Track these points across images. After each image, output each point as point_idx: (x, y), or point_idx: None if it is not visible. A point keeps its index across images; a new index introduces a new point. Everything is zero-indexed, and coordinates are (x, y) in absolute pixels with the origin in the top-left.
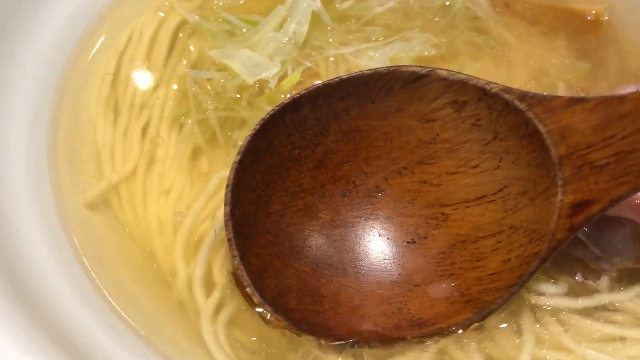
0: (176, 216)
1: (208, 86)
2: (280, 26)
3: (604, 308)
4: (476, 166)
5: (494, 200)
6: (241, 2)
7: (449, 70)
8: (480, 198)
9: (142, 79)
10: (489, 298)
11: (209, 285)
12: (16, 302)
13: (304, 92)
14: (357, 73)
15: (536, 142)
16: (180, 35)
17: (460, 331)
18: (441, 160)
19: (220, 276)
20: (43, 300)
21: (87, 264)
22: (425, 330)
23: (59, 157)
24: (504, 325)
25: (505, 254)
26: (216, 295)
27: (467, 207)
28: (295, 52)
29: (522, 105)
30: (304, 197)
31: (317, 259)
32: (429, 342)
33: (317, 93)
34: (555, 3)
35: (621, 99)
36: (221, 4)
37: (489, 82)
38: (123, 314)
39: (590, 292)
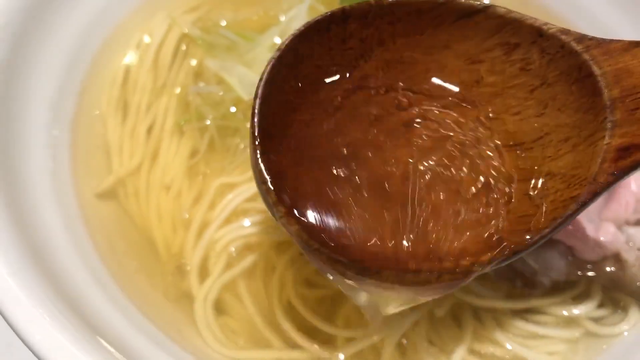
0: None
1: (208, 98)
2: (274, 46)
3: (534, 311)
4: (518, 113)
5: (531, 148)
6: (239, 18)
7: (506, 8)
8: (519, 145)
9: (149, 82)
10: (516, 239)
11: (203, 274)
12: (38, 273)
13: (354, 5)
14: (410, 1)
15: (588, 86)
16: (184, 44)
17: (480, 271)
18: (481, 104)
19: (214, 267)
20: (60, 271)
21: (96, 246)
22: (445, 265)
23: (77, 149)
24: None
25: (539, 198)
26: (208, 283)
27: (506, 151)
28: None
29: (578, 47)
30: (335, 113)
31: (339, 174)
32: (443, 283)
33: (368, 10)
34: None
35: None
36: (222, 20)
37: (547, 23)
38: (125, 291)
39: (523, 297)
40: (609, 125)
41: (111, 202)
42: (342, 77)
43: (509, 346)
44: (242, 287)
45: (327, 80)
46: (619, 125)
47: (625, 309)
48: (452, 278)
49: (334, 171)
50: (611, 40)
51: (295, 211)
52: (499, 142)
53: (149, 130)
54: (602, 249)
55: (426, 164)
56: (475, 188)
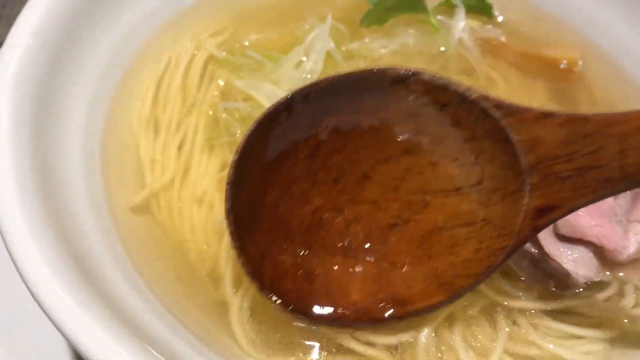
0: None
1: (236, 114)
2: (299, 64)
3: (568, 312)
4: (456, 159)
5: (469, 193)
6: (263, 39)
7: (432, 74)
8: (458, 189)
9: (178, 101)
10: (460, 283)
11: (236, 282)
12: (78, 275)
13: (296, 91)
14: (346, 73)
15: (508, 148)
16: (210, 66)
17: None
18: (424, 151)
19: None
20: (102, 280)
21: (131, 257)
22: (405, 309)
23: (109, 164)
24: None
25: (477, 243)
26: (242, 290)
27: (446, 196)
28: None
29: (496, 114)
30: (298, 185)
31: (310, 242)
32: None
33: (309, 92)
34: (535, 51)
35: (585, 119)
36: (246, 41)
37: (469, 88)
38: (162, 300)
39: (556, 298)
40: (527, 187)
41: (144, 216)
42: (299, 149)
43: (544, 346)
44: None
45: (286, 157)
46: (536, 189)
47: None
48: (402, 319)
49: (305, 243)
50: (525, 109)
51: (277, 290)
52: (443, 187)
53: (180, 146)
54: (632, 249)
55: (383, 218)
56: (424, 235)
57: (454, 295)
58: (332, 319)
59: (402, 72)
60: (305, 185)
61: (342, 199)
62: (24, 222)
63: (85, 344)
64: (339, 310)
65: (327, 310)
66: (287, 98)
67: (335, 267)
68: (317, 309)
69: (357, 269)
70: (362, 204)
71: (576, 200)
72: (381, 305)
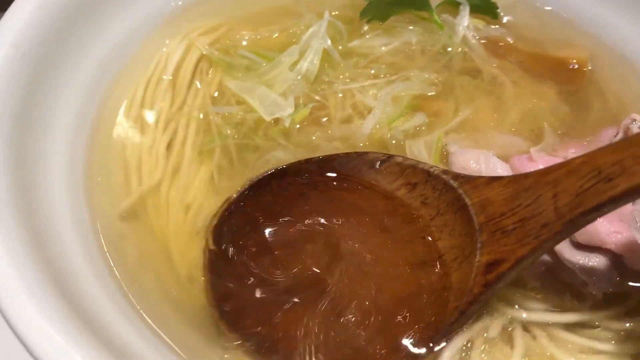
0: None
1: (229, 118)
2: (294, 65)
3: (585, 325)
4: (424, 237)
5: (433, 266)
6: (258, 37)
7: (403, 157)
8: (424, 263)
9: (167, 101)
10: (417, 347)
11: None
12: (55, 293)
13: (289, 165)
14: (332, 155)
15: (465, 214)
16: (203, 65)
17: None
18: (398, 229)
19: None
20: (75, 290)
21: (111, 263)
22: None
23: (95, 171)
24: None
25: (436, 309)
26: None
27: (413, 269)
28: (307, 87)
29: (455, 184)
30: (277, 249)
31: (281, 307)
32: None
33: (299, 167)
34: (543, 52)
35: (526, 175)
36: (241, 40)
37: (432, 166)
38: (138, 306)
39: (574, 310)
40: (478, 245)
41: (130, 219)
42: (285, 214)
43: None
44: None
45: (269, 219)
46: (485, 245)
47: None
48: None
49: (276, 310)
50: (476, 177)
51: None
52: (412, 261)
53: (169, 146)
54: None
55: (350, 287)
56: (390, 304)
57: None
58: None
59: (379, 156)
60: (285, 248)
61: (312, 272)
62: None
63: None
64: None
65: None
66: (282, 169)
67: (295, 325)
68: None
69: (316, 335)
70: (330, 276)
71: (520, 250)
72: None
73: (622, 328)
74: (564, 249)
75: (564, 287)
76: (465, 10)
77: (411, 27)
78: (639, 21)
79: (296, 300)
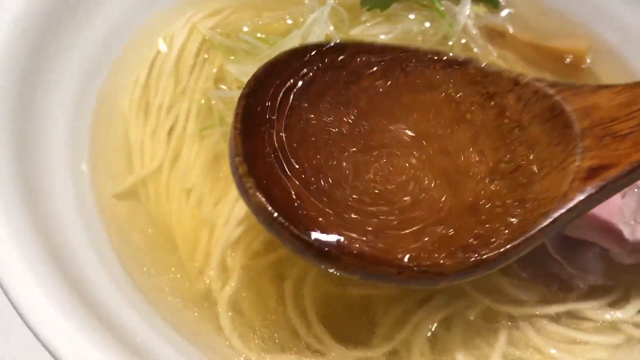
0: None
1: (230, 102)
2: None
3: (571, 315)
4: (496, 148)
5: (507, 179)
6: (260, 23)
7: (486, 62)
8: (496, 174)
9: (170, 85)
10: (484, 253)
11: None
12: (54, 269)
13: (349, 42)
14: (403, 46)
15: (560, 122)
16: (204, 49)
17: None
18: (464, 137)
19: (234, 265)
20: (75, 266)
21: (114, 245)
22: (409, 265)
23: (97, 149)
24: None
25: (511, 219)
26: (230, 282)
27: (482, 180)
28: None
29: (551, 91)
30: (323, 106)
31: (317, 160)
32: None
33: (359, 49)
34: (542, 42)
35: None
36: (243, 26)
37: (521, 74)
38: (144, 292)
39: (559, 301)
40: (579, 150)
41: (131, 203)
42: (336, 99)
43: (546, 352)
44: (266, 287)
45: (313, 93)
46: (589, 150)
47: None
48: (412, 277)
49: (312, 157)
50: (581, 85)
51: (263, 186)
52: (478, 171)
53: (170, 132)
54: (639, 252)
55: (405, 175)
56: (449, 204)
57: (476, 267)
58: (314, 243)
59: (456, 57)
60: (331, 107)
61: (365, 146)
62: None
63: (61, 349)
64: (329, 236)
65: (312, 231)
66: (347, 43)
67: (337, 194)
68: (300, 225)
69: (369, 209)
70: (387, 160)
71: (637, 155)
72: (384, 252)
73: (606, 319)
74: (551, 241)
75: (551, 279)
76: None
77: (412, 16)
78: None
79: (341, 153)
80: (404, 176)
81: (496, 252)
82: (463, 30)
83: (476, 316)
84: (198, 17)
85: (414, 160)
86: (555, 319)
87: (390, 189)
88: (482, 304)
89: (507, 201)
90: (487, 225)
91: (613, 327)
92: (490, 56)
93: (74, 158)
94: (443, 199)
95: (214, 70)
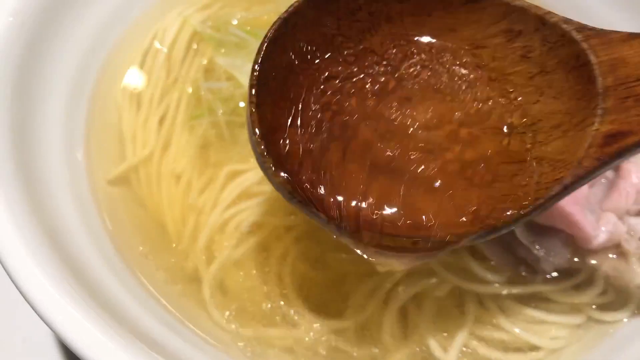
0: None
1: (219, 93)
2: None
3: (536, 297)
4: (515, 98)
5: (524, 133)
6: (250, 16)
7: None
8: (512, 128)
9: (162, 76)
10: (496, 215)
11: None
12: (51, 249)
13: None
14: None
15: (584, 73)
16: (195, 41)
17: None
18: (482, 87)
19: (222, 246)
20: (70, 249)
21: (107, 229)
22: (424, 233)
23: (92, 140)
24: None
25: (524, 180)
26: (216, 263)
27: (497, 133)
28: None
29: (578, 36)
30: (335, 81)
31: (334, 136)
32: (421, 251)
33: None
34: None
35: None
36: (233, 17)
37: (549, 12)
38: (135, 272)
39: (526, 283)
40: (599, 112)
41: (123, 188)
42: (348, 47)
43: (513, 331)
44: (249, 266)
45: (331, 48)
46: (609, 113)
47: (627, 297)
48: (428, 246)
49: (325, 133)
50: (611, 32)
51: (282, 164)
52: (493, 124)
53: (161, 121)
54: (604, 238)
55: (418, 136)
56: (461, 165)
57: (489, 229)
58: (338, 217)
59: None
60: (343, 83)
61: (377, 107)
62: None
63: (59, 323)
64: (348, 210)
65: (332, 211)
66: None
67: (353, 169)
68: (324, 201)
69: (381, 179)
70: (403, 122)
71: None
72: (401, 222)
73: (571, 301)
74: (521, 227)
75: (518, 262)
76: None
77: None
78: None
79: (354, 128)
80: (423, 143)
81: (507, 217)
82: None
83: (445, 295)
84: (189, 10)
85: (433, 119)
86: (521, 300)
87: (412, 157)
88: (451, 283)
89: (526, 158)
90: (504, 186)
91: (575, 308)
92: None
93: (69, 146)
94: (462, 155)
95: (204, 62)
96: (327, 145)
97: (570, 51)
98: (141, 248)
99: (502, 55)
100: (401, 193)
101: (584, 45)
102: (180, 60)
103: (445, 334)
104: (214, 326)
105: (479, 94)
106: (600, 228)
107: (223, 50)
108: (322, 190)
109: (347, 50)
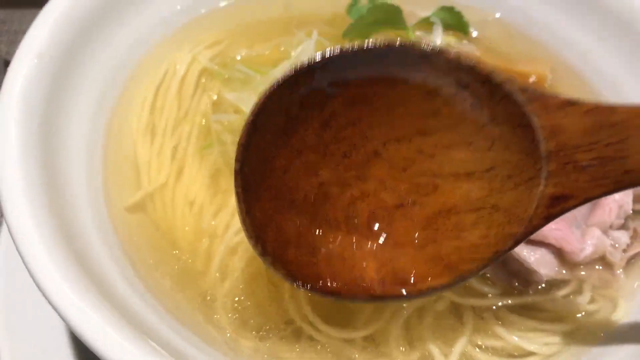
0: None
1: (227, 124)
2: None
3: (529, 307)
4: (470, 143)
5: (481, 178)
6: (253, 54)
7: (458, 53)
8: (470, 174)
9: (174, 108)
10: (465, 267)
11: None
12: (74, 265)
13: (318, 59)
14: (372, 44)
15: (528, 133)
16: (204, 77)
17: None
18: (438, 133)
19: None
20: (92, 262)
21: (127, 254)
22: (406, 288)
23: (109, 168)
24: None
25: (485, 229)
26: (228, 282)
27: (457, 180)
28: None
29: (520, 99)
30: (308, 155)
31: (314, 214)
32: (404, 303)
33: (331, 60)
34: (507, 65)
35: (612, 109)
36: (237, 55)
37: (494, 71)
38: (154, 292)
39: (520, 294)
40: (544, 174)
41: (140, 214)
42: (313, 118)
43: (508, 339)
44: (259, 285)
45: (299, 124)
46: (553, 176)
47: (614, 305)
48: (409, 299)
49: (309, 215)
50: (550, 95)
51: (279, 258)
52: (454, 170)
53: (174, 150)
54: (588, 251)
55: (389, 197)
56: (431, 218)
57: (458, 279)
58: (331, 292)
59: (428, 49)
60: (314, 155)
61: (350, 174)
62: (33, 226)
63: (80, 326)
64: (339, 284)
65: (327, 282)
66: (308, 64)
67: (338, 242)
68: (317, 281)
69: (360, 246)
70: (369, 182)
71: (593, 191)
72: (383, 283)
73: (560, 309)
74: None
75: (511, 276)
76: (438, 29)
77: None
78: (598, 37)
79: (328, 203)
80: (384, 205)
81: (472, 267)
82: None
83: (445, 308)
84: (198, 48)
85: (398, 173)
86: (517, 310)
87: (374, 220)
88: (449, 298)
89: (486, 206)
90: (468, 236)
91: (567, 315)
92: None
93: (89, 174)
94: (427, 207)
95: (213, 97)
96: (312, 225)
97: (515, 110)
98: (156, 267)
99: (454, 103)
100: (385, 257)
101: (526, 108)
102: (190, 94)
103: (446, 344)
104: (229, 340)
105: (437, 139)
106: (586, 242)
107: (230, 86)
108: (315, 271)
109: (313, 121)
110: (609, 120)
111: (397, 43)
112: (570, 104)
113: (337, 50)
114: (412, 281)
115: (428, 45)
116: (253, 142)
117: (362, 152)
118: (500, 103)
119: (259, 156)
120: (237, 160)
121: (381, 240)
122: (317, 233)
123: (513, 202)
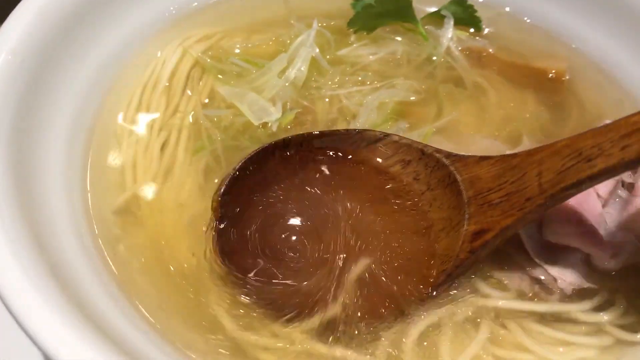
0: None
1: (219, 121)
2: (283, 72)
3: (555, 318)
4: (414, 209)
5: (423, 234)
6: (249, 46)
7: (399, 136)
8: (414, 232)
9: (162, 105)
10: (406, 306)
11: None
12: (51, 277)
13: (293, 136)
14: (334, 131)
15: (455, 188)
16: (195, 71)
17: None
18: (389, 201)
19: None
20: (70, 279)
21: (107, 256)
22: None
23: (92, 168)
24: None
25: (425, 271)
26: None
27: (403, 238)
28: (295, 93)
29: (447, 162)
30: (276, 208)
31: (287, 260)
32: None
33: (302, 139)
34: (524, 62)
35: (514, 155)
36: (233, 47)
37: (426, 145)
38: (137, 302)
39: (544, 303)
40: (466, 216)
41: (124, 215)
42: (285, 182)
43: (535, 351)
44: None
45: (272, 185)
46: (473, 216)
47: None
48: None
49: (282, 258)
50: (468, 156)
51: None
52: (403, 229)
53: (162, 148)
54: (621, 257)
55: (343, 250)
56: (386, 266)
57: (400, 317)
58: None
59: (377, 134)
60: (282, 211)
61: (320, 226)
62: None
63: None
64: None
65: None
66: (284, 139)
67: (294, 292)
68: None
69: (314, 291)
70: (327, 236)
71: (504, 221)
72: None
73: (591, 322)
74: (534, 247)
75: (534, 283)
76: (449, 23)
77: (397, 38)
78: (614, 33)
79: (298, 261)
80: (337, 263)
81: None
82: (446, 52)
83: (465, 319)
84: (190, 41)
85: (359, 230)
86: (543, 321)
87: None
88: (467, 307)
89: (422, 257)
90: (407, 282)
91: (598, 329)
92: (472, 75)
93: (69, 177)
94: (370, 261)
95: (205, 91)
96: (285, 266)
97: (444, 172)
98: (143, 277)
99: (400, 178)
100: (332, 298)
101: (452, 168)
102: (181, 88)
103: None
104: None
105: (388, 205)
106: (616, 246)
107: (223, 79)
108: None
109: (285, 184)
110: (511, 163)
111: (356, 130)
112: (484, 159)
113: (308, 133)
114: (361, 320)
115: (376, 131)
116: (232, 192)
117: (325, 212)
118: (433, 170)
119: (238, 203)
120: (214, 209)
121: (337, 288)
122: (287, 273)
123: (446, 247)
